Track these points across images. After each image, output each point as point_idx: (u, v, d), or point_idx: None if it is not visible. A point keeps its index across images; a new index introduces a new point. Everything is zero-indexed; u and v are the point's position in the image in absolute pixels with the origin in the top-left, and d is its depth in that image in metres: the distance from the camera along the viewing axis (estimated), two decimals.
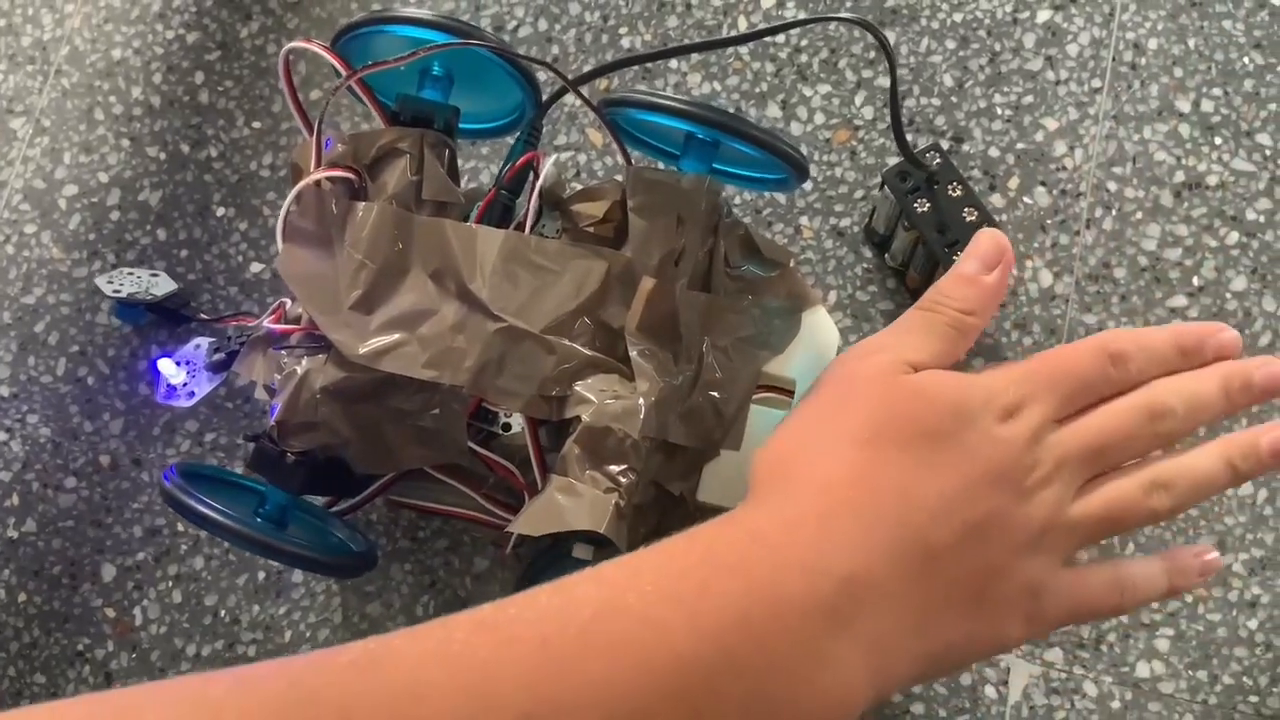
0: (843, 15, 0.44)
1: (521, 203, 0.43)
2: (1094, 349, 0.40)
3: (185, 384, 0.46)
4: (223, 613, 0.51)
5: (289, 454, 0.41)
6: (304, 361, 0.41)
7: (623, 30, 0.57)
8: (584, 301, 0.41)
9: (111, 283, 0.52)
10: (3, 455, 0.54)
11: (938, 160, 0.48)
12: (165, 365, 0.46)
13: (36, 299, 0.56)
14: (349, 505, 0.45)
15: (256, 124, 0.57)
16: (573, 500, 0.39)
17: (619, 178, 0.43)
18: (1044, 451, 0.38)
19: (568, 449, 0.40)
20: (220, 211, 0.56)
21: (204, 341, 0.47)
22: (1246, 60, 0.54)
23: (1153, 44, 0.54)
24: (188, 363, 0.46)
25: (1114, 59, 0.55)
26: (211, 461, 0.52)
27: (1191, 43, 0.54)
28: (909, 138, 0.54)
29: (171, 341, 0.54)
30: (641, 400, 0.40)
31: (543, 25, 0.57)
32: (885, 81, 0.55)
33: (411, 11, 0.42)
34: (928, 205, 0.47)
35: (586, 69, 0.54)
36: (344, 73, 0.43)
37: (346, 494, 0.45)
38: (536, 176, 0.43)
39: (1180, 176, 0.53)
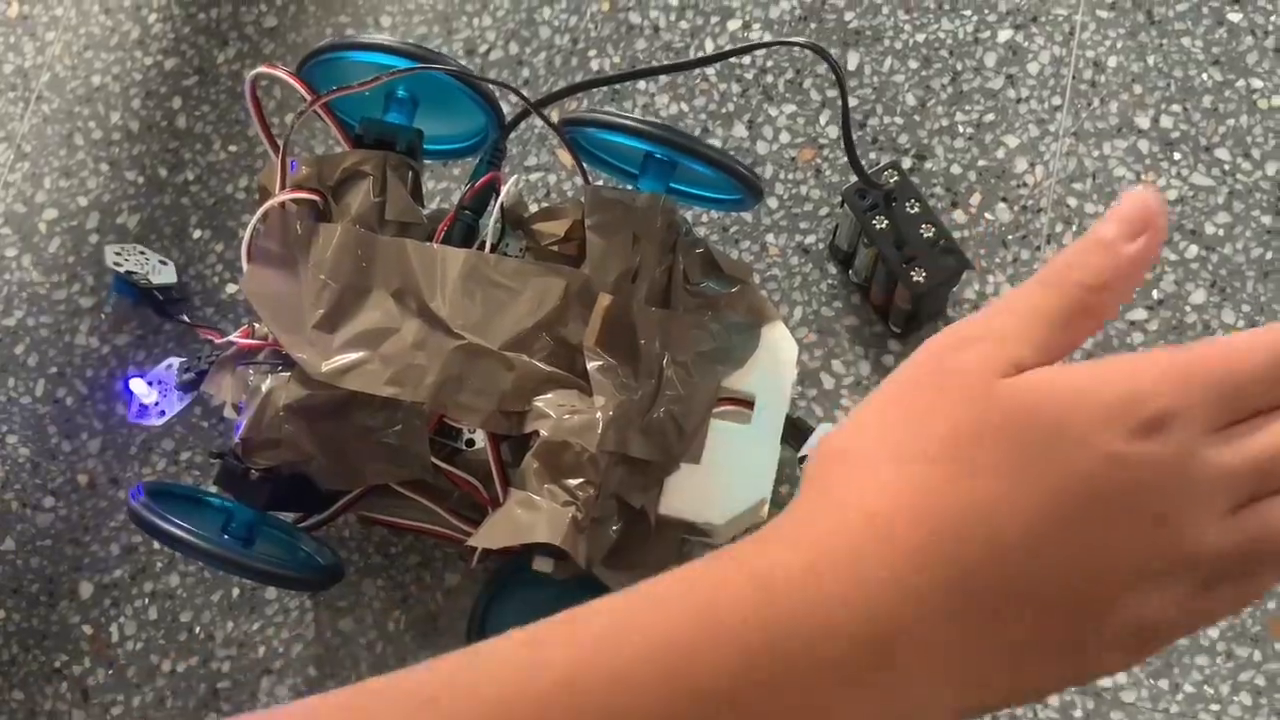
0: (796, 40, 0.45)
1: (485, 223, 0.44)
2: (1263, 344, 0.32)
3: (157, 403, 0.46)
4: (198, 629, 0.52)
5: (254, 471, 0.42)
6: (268, 380, 0.42)
7: (592, 53, 0.58)
8: (543, 318, 0.42)
9: (120, 254, 0.53)
10: None
11: (895, 178, 0.49)
12: (137, 385, 0.47)
13: (16, 321, 0.57)
14: (317, 520, 0.46)
15: (233, 148, 0.58)
16: (531, 514, 0.40)
17: (582, 198, 0.44)
18: (1196, 471, 0.30)
19: (526, 463, 0.41)
20: (197, 234, 0.57)
21: (175, 361, 0.48)
22: (1205, 77, 0.55)
23: (1112, 61, 0.55)
24: (160, 382, 0.47)
25: (1074, 77, 0.55)
26: (187, 480, 0.53)
27: (1151, 60, 0.55)
28: (872, 155, 0.55)
29: (148, 362, 0.55)
30: (600, 415, 0.41)
31: (513, 49, 0.58)
32: (851, 100, 0.56)
33: (372, 37, 0.43)
34: (885, 222, 0.48)
35: (554, 83, 0.55)
36: (308, 98, 0.44)
37: (313, 510, 0.46)
38: (498, 196, 0.44)
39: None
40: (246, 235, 0.43)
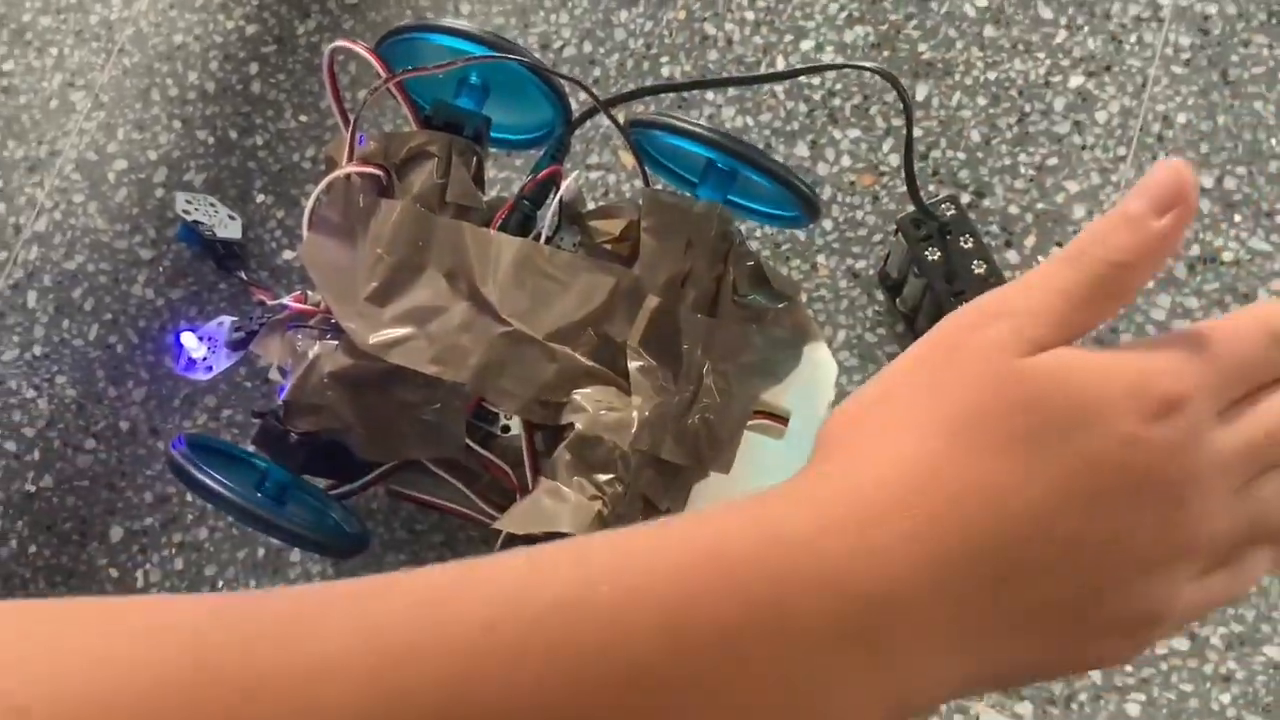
0: (867, 65, 0.45)
1: (542, 214, 0.45)
2: (1258, 325, 0.33)
3: (205, 358, 0.47)
4: (221, 584, 0.53)
5: (293, 434, 0.43)
6: (316, 346, 0.43)
7: (664, 59, 0.59)
8: (589, 313, 0.42)
9: (191, 202, 0.54)
10: (29, 412, 0.56)
11: (952, 211, 0.49)
12: (187, 338, 0.48)
13: (76, 265, 0.58)
14: (348, 489, 0.47)
15: (304, 117, 0.60)
16: (558, 504, 0.40)
17: (639, 200, 0.45)
18: (1203, 454, 0.31)
19: (559, 454, 0.41)
20: (260, 198, 0.58)
21: (227, 320, 0.49)
22: (1274, 142, 0.55)
23: (1182, 118, 0.55)
24: (210, 338, 0.48)
25: (1142, 129, 0.55)
26: (226, 437, 0.54)
27: (1221, 120, 0.55)
28: (931, 187, 0.55)
29: (200, 318, 0.56)
30: (635, 414, 0.41)
31: (587, 48, 0.59)
32: (915, 131, 0.56)
33: (453, 23, 0.44)
34: (938, 254, 0.48)
35: (625, 85, 0.55)
36: (384, 75, 0.44)
37: (346, 478, 0.46)
38: (558, 190, 0.45)
39: (1196, 250, 0.53)
40: (310, 203, 0.44)
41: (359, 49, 0.44)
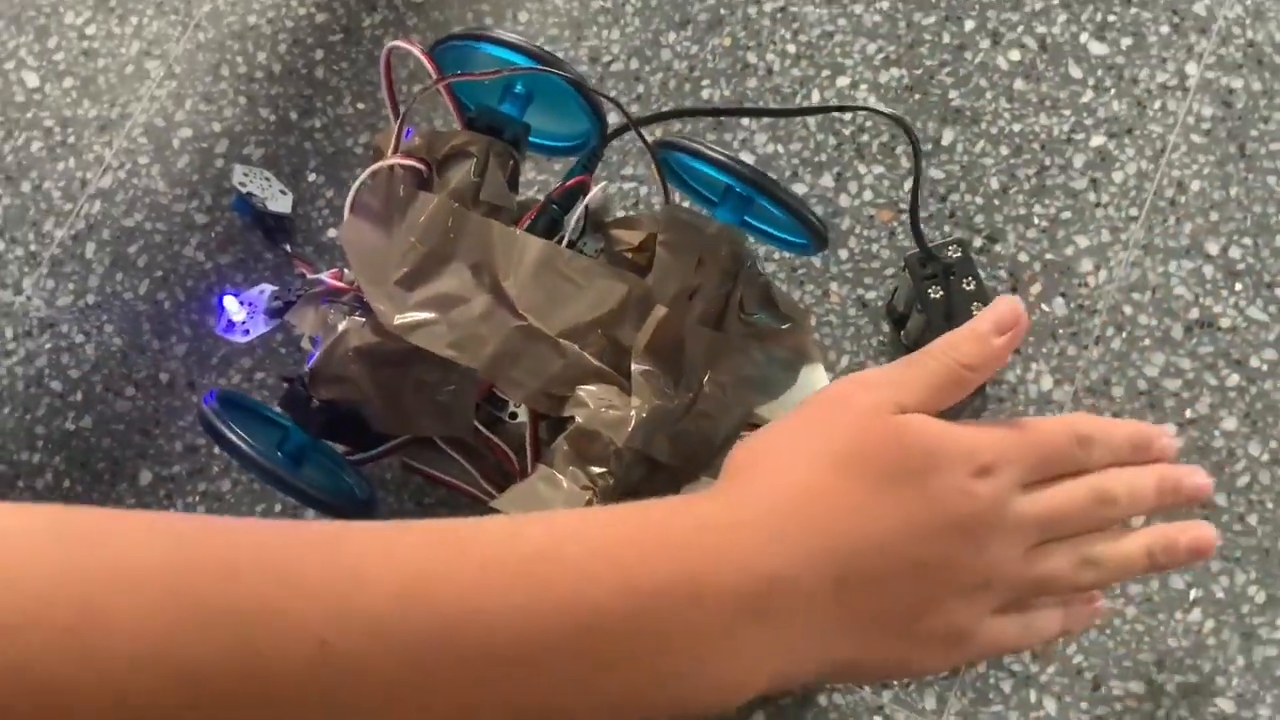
0: (884, 110, 0.48)
1: (568, 219, 0.48)
2: (1066, 428, 0.44)
3: (243, 322, 0.51)
4: None
5: (315, 400, 0.46)
6: (345, 321, 0.46)
7: (705, 82, 0.62)
8: (600, 316, 0.45)
9: (247, 175, 0.58)
10: (76, 355, 0.60)
11: (958, 254, 0.51)
12: (230, 302, 0.51)
13: (135, 223, 0.62)
14: (364, 456, 0.50)
15: (360, 105, 0.63)
16: (552, 490, 0.43)
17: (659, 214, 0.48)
18: (1007, 513, 0.42)
19: (557, 444, 0.44)
20: (312, 177, 0.62)
21: (268, 288, 0.52)
22: None
23: (1195, 185, 0.57)
24: (250, 304, 0.52)
25: (1156, 193, 0.57)
26: (257, 397, 0.58)
27: (1233, 191, 0.57)
28: (945, 229, 0.57)
29: (244, 284, 0.59)
30: (634, 414, 0.44)
31: (633, 64, 0.62)
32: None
33: (503, 34, 0.47)
34: (940, 293, 0.51)
35: (664, 106, 0.58)
36: (435, 76, 0.48)
37: (361, 447, 0.49)
38: (585, 197, 0.48)
39: (1195, 314, 0.55)
40: (354, 187, 0.47)
41: (415, 50, 0.48)
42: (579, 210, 0.47)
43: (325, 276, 0.48)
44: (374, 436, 0.49)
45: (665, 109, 0.61)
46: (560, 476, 0.43)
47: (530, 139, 0.50)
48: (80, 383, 0.60)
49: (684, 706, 0.38)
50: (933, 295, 0.51)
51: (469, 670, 0.34)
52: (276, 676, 0.31)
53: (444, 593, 0.34)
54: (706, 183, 0.49)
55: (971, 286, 0.51)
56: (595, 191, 0.47)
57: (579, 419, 0.44)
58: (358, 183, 0.47)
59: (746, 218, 0.48)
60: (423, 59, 0.48)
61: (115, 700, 0.30)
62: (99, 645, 0.30)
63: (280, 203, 0.59)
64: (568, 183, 0.48)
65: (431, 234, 0.46)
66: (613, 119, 0.51)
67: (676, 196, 0.53)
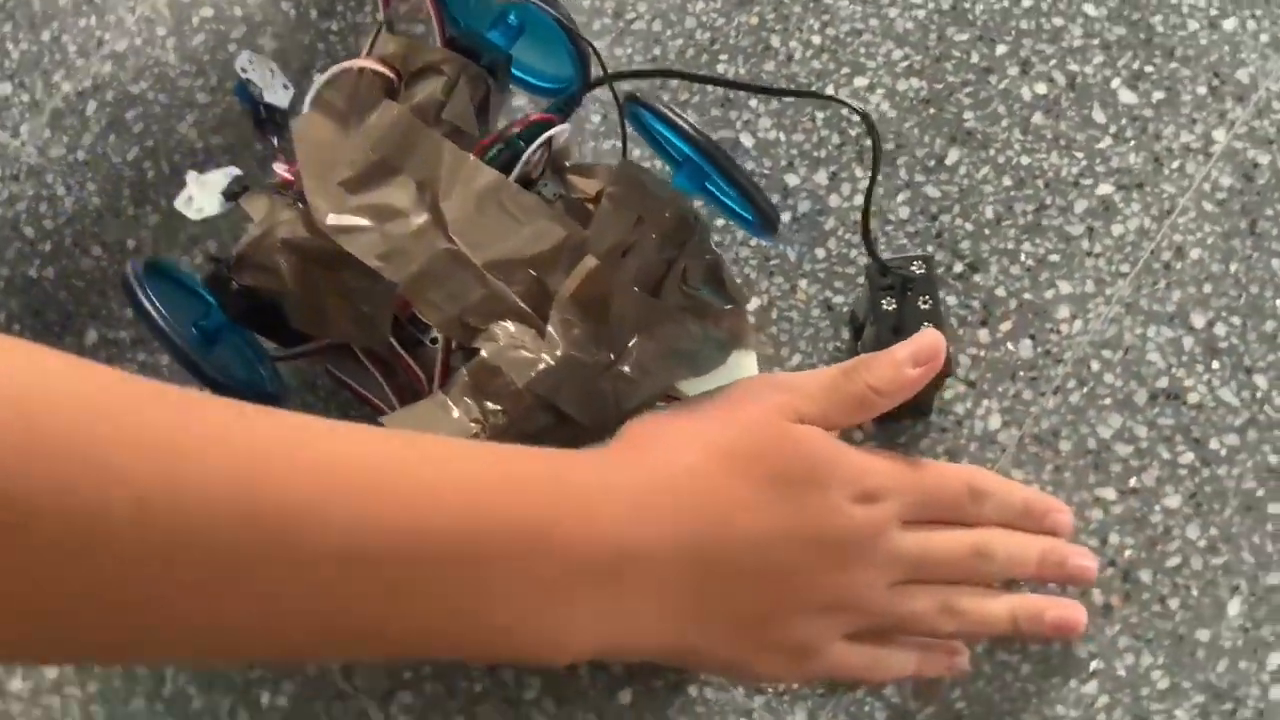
0: (853, 104, 0.46)
1: (527, 157, 0.47)
2: (963, 478, 0.46)
3: (195, 198, 0.51)
4: None
5: (235, 283, 0.46)
6: (285, 213, 0.46)
7: (723, 57, 0.60)
8: (532, 256, 0.45)
9: (251, 63, 0.58)
10: (55, 207, 0.60)
11: (921, 270, 0.50)
12: (192, 177, 0.51)
13: (139, 90, 0.62)
14: (285, 354, 0.50)
15: (379, 16, 0.63)
16: (441, 416, 0.43)
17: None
18: (881, 543, 0.43)
19: (459, 373, 0.44)
20: (316, 78, 0.62)
21: (234, 172, 0.52)
22: (1279, 304, 0.54)
23: (1195, 253, 0.55)
24: (211, 184, 0.52)
25: (1152, 253, 0.55)
26: None
27: (1234, 266, 0.55)
28: (930, 248, 0.56)
29: (224, 163, 0.59)
30: (544, 359, 0.43)
31: (656, 26, 0.61)
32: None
33: None
34: (894, 306, 0.49)
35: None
36: None
37: (280, 342, 0.49)
38: (547, 137, 0.47)
39: (1163, 383, 0.53)
40: (318, 81, 0.47)
41: None
42: (537, 146, 0.46)
43: (278, 167, 0.48)
44: (293, 335, 0.49)
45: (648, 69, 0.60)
46: (453, 405, 0.43)
47: (514, 72, 0.49)
48: (52, 234, 0.60)
49: (499, 652, 0.38)
50: (885, 307, 0.49)
51: (289, 567, 0.34)
52: (95, 526, 0.31)
53: (282, 482, 0.34)
54: (671, 147, 0.48)
55: (927, 305, 0.49)
56: (558, 129, 0.47)
57: (484, 352, 0.43)
58: (323, 78, 0.46)
59: (707, 185, 0.47)
60: None
61: None
62: None
63: (279, 96, 0.59)
64: (530, 117, 0.47)
65: (385, 143, 0.46)
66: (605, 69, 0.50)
67: (648, 160, 0.52)
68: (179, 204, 0.52)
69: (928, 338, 0.44)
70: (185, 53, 0.63)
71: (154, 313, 0.44)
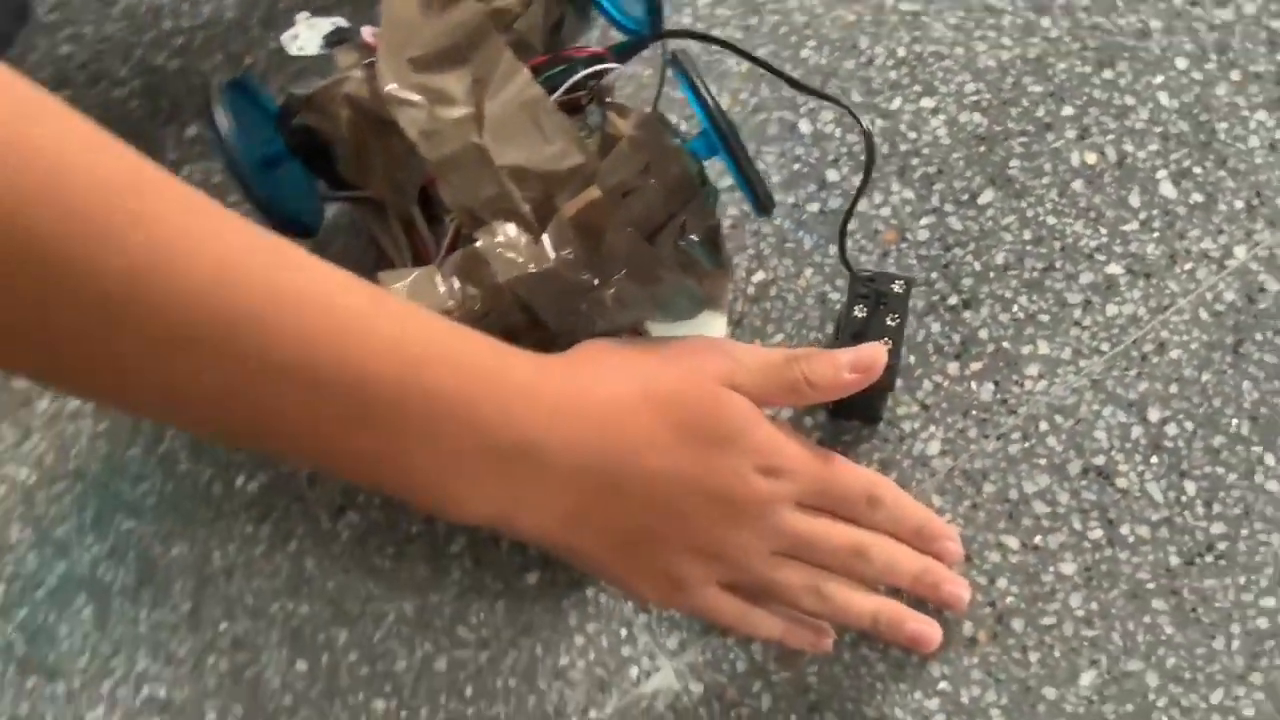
0: (857, 116, 0.50)
1: (572, 85, 0.52)
2: (865, 483, 0.50)
3: (301, 37, 0.57)
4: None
5: (299, 120, 0.52)
6: (358, 71, 0.52)
7: (811, 42, 0.64)
8: (547, 172, 0.50)
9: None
10: (194, 8, 0.68)
11: (900, 289, 0.54)
12: (302, 16, 0.57)
13: None
14: (333, 195, 0.56)
15: None
16: (428, 286, 0.48)
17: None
18: (770, 512, 0.47)
19: (454, 255, 0.49)
20: None
21: (341, 23, 0.58)
22: (1236, 423, 0.56)
23: (1175, 353, 0.57)
24: (319, 27, 0.58)
25: (1134, 342, 0.58)
26: None
27: (1204, 376, 0.57)
28: (933, 275, 0.59)
29: (339, 11, 0.65)
30: (531, 265, 0.49)
31: None
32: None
33: None
34: (864, 315, 0.53)
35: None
36: None
37: (328, 182, 0.56)
38: (601, 75, 0.52)
39: (1100, 460, 0.56)
40: None
41: None
42: (583, 76, 0.51)
43: (367, 33, 0.54)
44: (342, 181, 0.55)
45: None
46: (440, 281, 0.49)
47: (600, 1, 0.54)
48: (186, 32, 0.67)
49: (404, 492, 0.44)
50: (856, 314, 0.53)
51: (237, 359, 0.39)
52: (87, 283, 0.37)
53: (255, 289, 0.39)
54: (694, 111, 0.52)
55: (893, 323, 0.53)
56: (610, 69, 0.51)
57: (479, 243, 0.49)
58: None
59: (722, 154, 0.51)
60: None
61: None
62: None
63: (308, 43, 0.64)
64: (590, 50, 0.52)
65: (456, 35, 0.51)
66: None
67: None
68: (284, 39, 0.58)
69: (870, 351, 0.48)
70: None
71: (221, 124, 0.51)
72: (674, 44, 0.53)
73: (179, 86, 0.66)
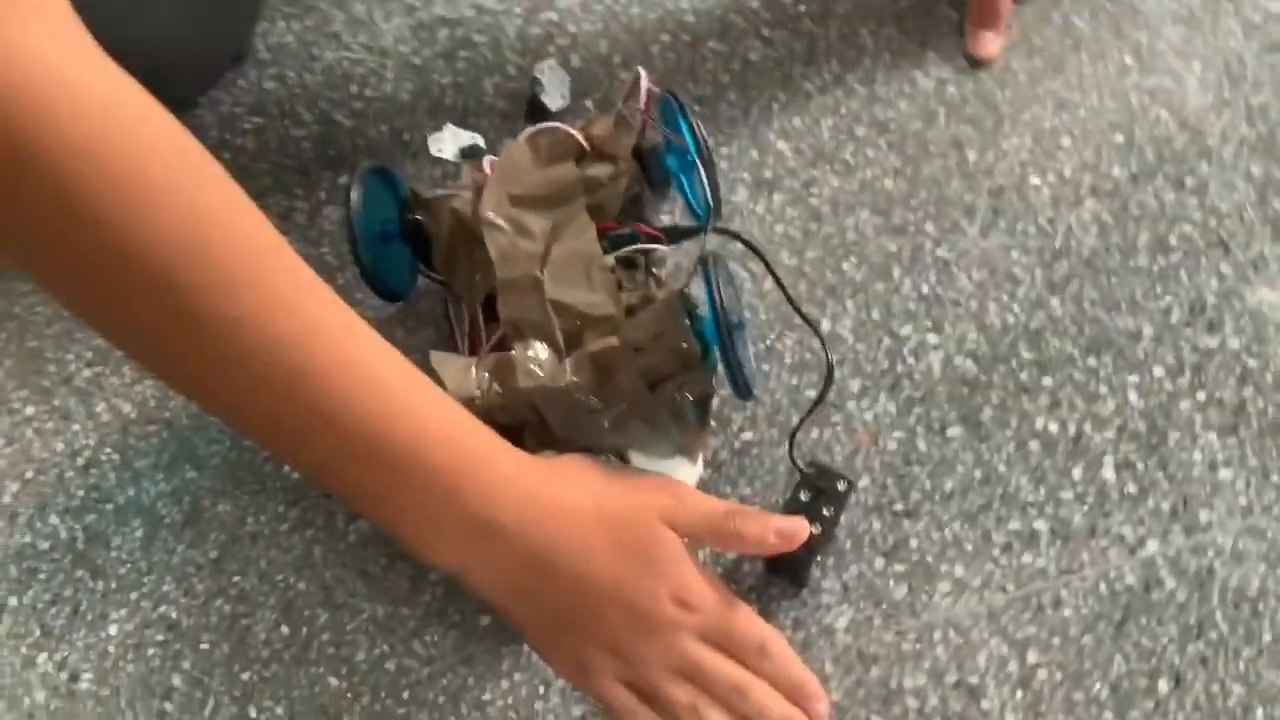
0: (823, 338, 0.60)
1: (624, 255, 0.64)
2: (761, 635, 0.60)
3: (444, 142, 0.70)
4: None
5: (412, 215, 0.66)
6: (466, 194, 0.65)
7: (853, 259, 0.75)
8: (583, 313, 0.62)
9: (551, 69, 0.76)
10: (379, 81, 0.82)
11: (843, 488, 0.64)
12: (449, 126, 0.71)
13: (477, 40, 0.82)
14: (427, 273, 0.69)
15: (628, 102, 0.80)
16: (463, 372, 0.61)
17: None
18: (674, 637, 0.57)
19: (493, 355, 0.62)
20: (588, 104, 0.80)
21: (477, 139, 0.71)
22: (1098, 687, 0.64)
23: (1067, 612, 0.66)
24: (457, 138, 0.71)
25: (1037, 591, 0.67)
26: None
27: (1085, 639, 0.65)
28: (886, 481, 0.69)
29: (483, 128, 0.79)
30: (548, 382, 0.61)
31: (822, 209, 0.76)
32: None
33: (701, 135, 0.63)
34: (807, 499, 0.64)
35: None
36: (643, 108, 0.64)
37: (424, 264, 0.69)
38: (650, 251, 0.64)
39: (974, 679, 0.65)
40: (535, 128, 0.65)
41: (645, 84, 0.65)
42: (635, 250, 0.63)
43: (486, 163, 0.67)
44: (433, 267, 0.68)
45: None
46: (474, 370, 0.61)
47: (681, 179, 0.67)
48: (366, 99, 0.82)
49: (388, 530, 0.56)
50: (801, 497, 0.64)
51: (277, 385, 0.50)
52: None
53: (313, 342, 0.51)
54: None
55: (829, 514, 0.63)
56: (659, 250, 0.63)
57: (514, 351, 0.61)
58: (539, 126, 0.65)
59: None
60: (644, 92, 0.64)
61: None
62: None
63: (553, 100, 0.78)
64: (650, 229, 0.64)
65: (552, 188, 0.64)
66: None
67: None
68: (431, 140, 0.72)
69: (795, 525, 0.58)
70: (524, 37, 0.83)
71: (353, 196, 0.64)
72: (717, 241, 0.65)
73: (347, 142, 0.81)
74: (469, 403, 0.60)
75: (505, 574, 0.56)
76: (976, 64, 0.78)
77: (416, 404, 0.54)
